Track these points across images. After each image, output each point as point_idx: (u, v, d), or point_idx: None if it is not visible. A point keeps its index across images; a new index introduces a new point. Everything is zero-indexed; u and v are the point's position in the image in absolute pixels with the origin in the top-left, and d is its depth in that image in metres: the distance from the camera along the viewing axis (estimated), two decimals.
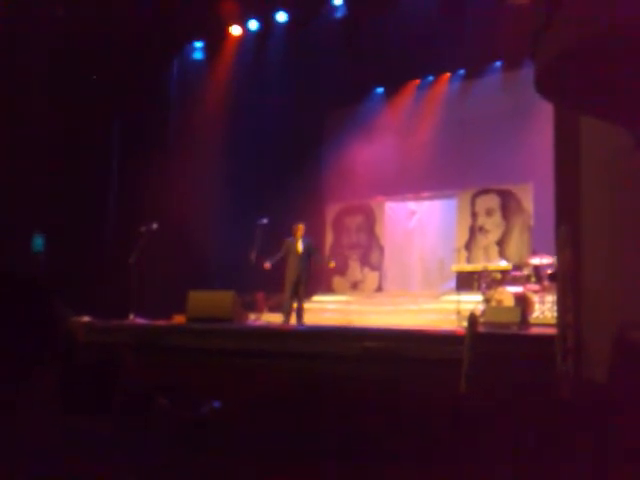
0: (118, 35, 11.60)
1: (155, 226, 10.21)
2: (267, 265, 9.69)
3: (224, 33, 13.16)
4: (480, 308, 9.04)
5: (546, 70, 3.45)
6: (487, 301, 9.32)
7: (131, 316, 9.75)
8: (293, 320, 9.74)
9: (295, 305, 9.70)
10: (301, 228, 9.84)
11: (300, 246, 9.75)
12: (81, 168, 11.61)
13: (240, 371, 6.05)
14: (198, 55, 13.72)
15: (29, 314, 1.34)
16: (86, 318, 8.95)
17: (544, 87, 3.63)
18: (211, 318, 8.94)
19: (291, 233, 9.88)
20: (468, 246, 12.46)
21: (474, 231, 12.52)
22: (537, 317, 9.18)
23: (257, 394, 4.60)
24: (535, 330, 7.97)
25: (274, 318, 10.53)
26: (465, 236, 12.58)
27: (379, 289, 13.45)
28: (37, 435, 1.26)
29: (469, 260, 12.17)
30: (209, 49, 13.59)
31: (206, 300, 9.46)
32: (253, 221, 10.14)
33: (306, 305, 12.12)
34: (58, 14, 11.18)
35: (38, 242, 11.57)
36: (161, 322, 9.57)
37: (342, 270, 13.98)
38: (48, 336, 1.36)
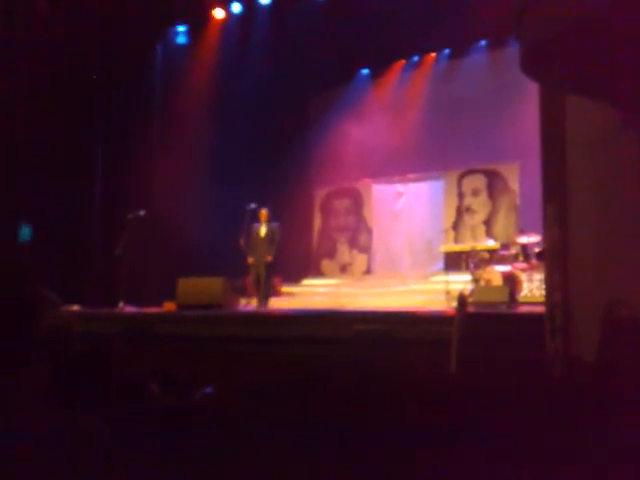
0: (100, 21, 11.47)
1: (142, 213, 10.16)
2: (250, 260, 9.82)
3: (207, 16, 13.03)
4: (469, 288, 9.09)
5: (531, 50, 3.46)
6: (476, 281, 9.37)
7: (121, 304, 9.72)
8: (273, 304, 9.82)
9: (262, 289, 9.79)
10: (264, 213, 9.95)
11: (263, 230, 9.86)
12: (66, 156, 11.51)
13: (231, 357, 6.06)
14: (181, 39, 13.58)
15: (14, 305, 1.34)
16: (75, 307, 8.93)
17: (529, 67, 3.64)
18: (201, 305, 8.93)
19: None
20: (455, 226, 12.50)
21: (461, 211, 12.56)
22: (525, 295, 9.25)
23: (249, 379, 4.62)
24: (524, 309, 8.03)
25: None
26: (452, 216, 12.62)
27: (368, 271, 13.48)
28: (31, 427, 1.26)
29: (457, 240, 12.22)
30: (192, 33, 13.46)
31: (196, 287, 9.44)
32: (241, 206, 10.11)
33: (295, 289, 12.19)
34: (40, 6, 11.02)
35: (25, 232, 11.49)
36: (151, 310, 9.56)
37: (331, 253, 14.00)
38: (34, 326, 1.36)
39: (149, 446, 2.11)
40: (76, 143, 11.91)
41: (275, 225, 9.97)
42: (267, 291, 9.89)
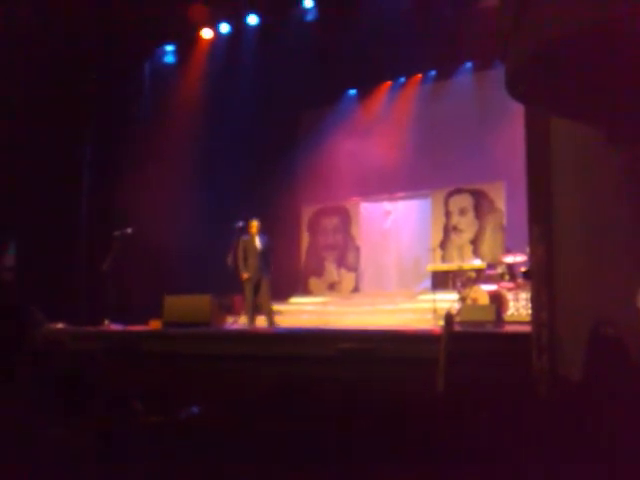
0: (89, 39, 11.50)
1: (129, 231, 10.13)
2: (245, 275, 9.54)
3: (195, 36, 13.10)
4: (456, 307, 9.11)
5: (516, 72, 3.51)
6: (462, 300, 9.41)
7: (106, 322, 9.66)
8: (261, 322, 9.66)
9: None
10: (255, 224, 9.56)
11: (258, 243, 9.52)
12: (53, 174, 11.47)
13: (218, 375, 6.03)
14: (170, 58, 13.65)
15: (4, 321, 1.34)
16: (60, 325, 8.86)
17: (514, 89, 3.68)
18: (188, 322, 8.88)
19: (247, 231, 9.62)
20: (443, 245, 12.56)
21: (448, 230, 12.63)
22: (511, 314, 9.30)
23: (234, 398, 4.59)
24: (510, 328, 8.06)
25: None
26: (439, 235, 12.68)
27: (356, 290, 13.49)
28: (17, 442, 1.26)
29: (444, 259, 12.27)
30: (181, 52, 13.53)
31: (182, 304, 9.39)
32: (229, 224, 10.09)
33: (283, 307, 12.16)
34: (27, 20, 11.03)
35: (10, 249, 11.41)
36: (137, 328, 9.50)
37: (319, 271, 14.00)
38: (20, 344, 1.36)
39: (133, 463, 2.09)
40: (63, 160, 11.88)
41: (267, 237, 9.70)
42: (270, 306, 9.50)
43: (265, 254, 9.49)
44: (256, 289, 9.43)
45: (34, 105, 11.02)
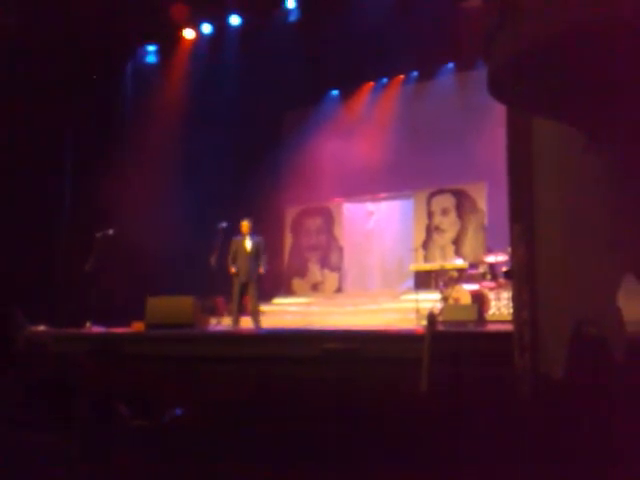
0: (70, 38, 11.41)
1: (111, 232, 10.07)
2: (233, 270, 9.52)
3: (177, 36, 13.06)
4: (438, 306, 9.16)
5: (498, 73, 3.52)
6: (445, 299, 9.46)
7: (88, 324, 9.58)
8: (245, 323, 9.65)
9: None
10: (245, 225, 9.52)
11: (248, 244, 9.50)
12: (34, 174, 11.37)
13: (201, 377, 6.01)
14: (152, 59, 13.59)
15: None
16: (42, 327, 8.78)
17: (497, 89, 3.70)
18: (171, 324, 8.83)
19: (240, 231, 9.64)
20: (425, 245, 12.62)
21: (430, 230, 12.69)
22: (493, 314, 9.36)
23: (219, 399, 4.58)
24: (492, 327, 8.12)
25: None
26: (422, 235, 12.74)
27: (339, 290, 13.51)
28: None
29: (426, 259, 12.33)
30: (163, 52, 13.48)
31: (165, 306, 9.34)
32: (212, 225, 10.06)
33: (266, 308, 12.15)
34: (10, 22, 10.92)
35: None
36: (119, 329, 9.44)
37: (302, 272, 14.00)
38: (4, 346, 1.35)
39: (118, 466, 2.08)
40: (44, 160, 11.77)
41: (259, 238, 9.66)
42: (257, 307, 9.58)
43: (256, 256, 9.47)
44: (243, 290, 9.44)
45: (16, 102, 10.90)
